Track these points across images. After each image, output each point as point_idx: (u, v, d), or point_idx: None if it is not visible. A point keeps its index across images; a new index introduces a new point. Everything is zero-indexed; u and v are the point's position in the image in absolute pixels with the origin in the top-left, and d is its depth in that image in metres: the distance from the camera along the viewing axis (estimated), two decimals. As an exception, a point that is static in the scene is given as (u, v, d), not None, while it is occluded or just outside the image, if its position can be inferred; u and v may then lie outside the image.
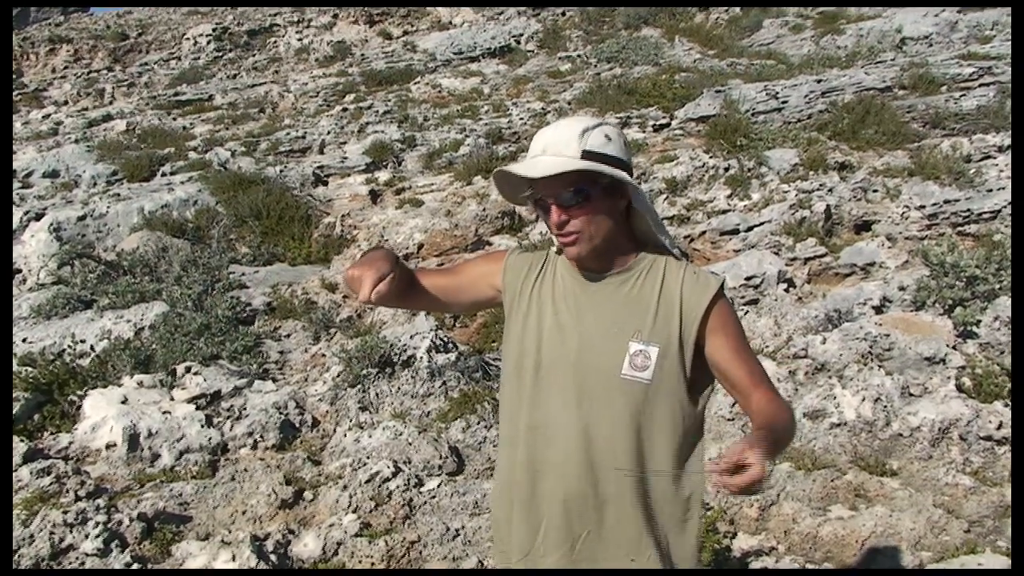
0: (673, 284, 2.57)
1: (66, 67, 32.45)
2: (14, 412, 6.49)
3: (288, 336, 8.78)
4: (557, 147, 2.49)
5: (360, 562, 5.00)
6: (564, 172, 2.44)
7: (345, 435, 6.63)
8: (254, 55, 30.45)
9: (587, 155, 2.46)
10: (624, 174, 2.51)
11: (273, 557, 4.87)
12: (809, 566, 4.96)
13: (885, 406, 6.14)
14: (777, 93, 13.99)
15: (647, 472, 2.58)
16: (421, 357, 7.44)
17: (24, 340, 8.30)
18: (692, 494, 2.66)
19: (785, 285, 8.55)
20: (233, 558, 4.72)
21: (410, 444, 6.30)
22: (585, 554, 2.63)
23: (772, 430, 2.37)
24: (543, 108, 16.46)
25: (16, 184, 14.79)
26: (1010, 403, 6.12)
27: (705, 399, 2.69)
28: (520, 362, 2.73)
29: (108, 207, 12.29)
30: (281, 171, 14.00)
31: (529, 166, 2.50)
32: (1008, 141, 11.02)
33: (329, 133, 16.63)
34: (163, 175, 14.67)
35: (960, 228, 9.79)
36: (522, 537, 2.71)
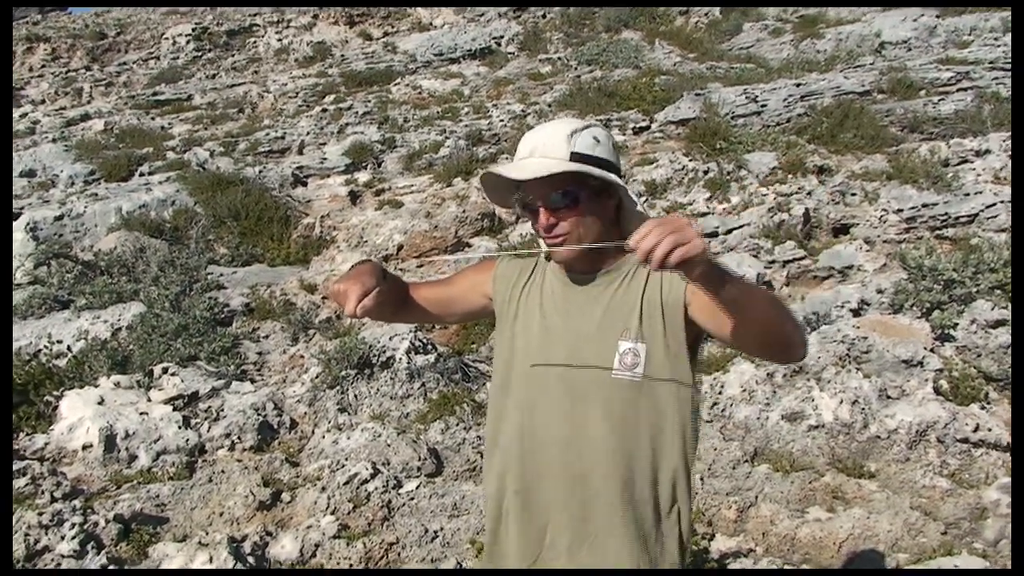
0: (655, 278, 2.54)
1: (44, 66, 32.20)
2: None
3: (266, 337, 8.75)
4: (545, 149, 2.48)
5: (338, 564, 4.99)
6: (552, 174, 2.43)
7: (323, 437, 6.61)
8: (233, 55, 30.30)
9: (575, 157, 2.46)
10: (613, 176, 2.50)
11: (250, 559, 4.85)
12: (787, 568, 4.97)
13: (863, 408, 6.17)
14: (756, 97, 14.03)
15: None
16: (400, 358, 7.42)
17: (0, 340, 8.25)
18: (678, 496, 2.61)
19: (764, 288, 8.57)
20: (210, 560, 4.69)
21: (389, 446, 6.29)
22: (587, 560, 2.59)
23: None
24: (523, 110, 16.45)
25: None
26: (988, 405, 6.16)
27: (700, 395, 2.64)
28: (510, 368, 2.71)
29: (85, 207, 12.22)
30: (260, 172, 13.93)
31: (517, 168, 2.49)
32: (986, 146, 11.08)
33: (308, 134, 16.56)
34: (141, 175, 14.57)
35: (938, 231, 9.84)
36: (524, 545, 2.67)
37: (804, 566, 5.04)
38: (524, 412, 2.65)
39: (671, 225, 1.98)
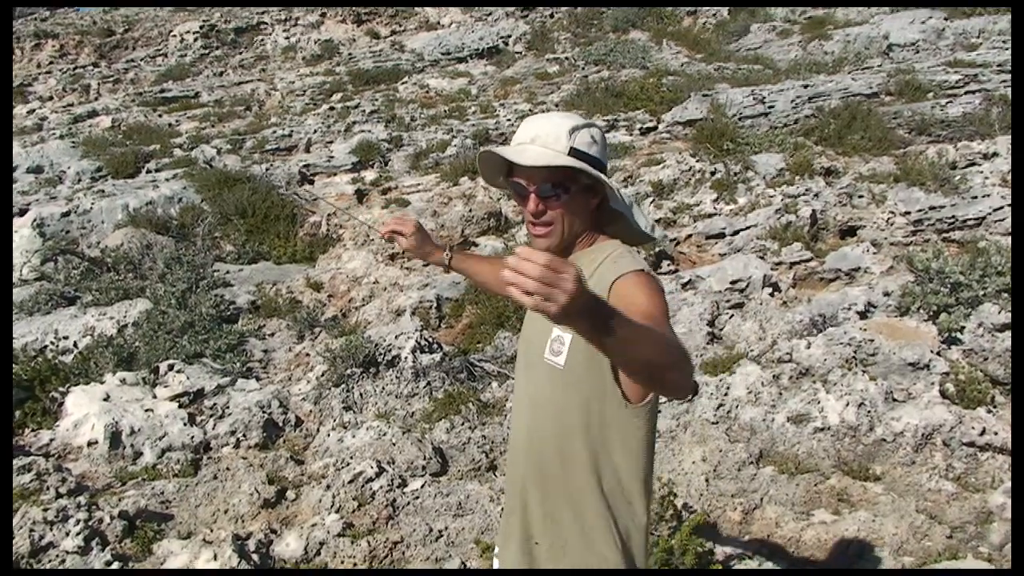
0: (602, 269, 2.54)
1: (51, 62, 32.22)
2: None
3: (272, 335, 8.75)
4: (546, 139, 2.53)
5: (342, 562, 4.99)
6: (549, 165, 2.49)
7: (328, 435, 6.61)
8: (241, 53, 30.30)
9: (574, 153, 2.51)
10: (604, 177, 2.57)
11: (255, 557, 4.85)
12: (792, 570, 4.96)
13: (869, 411, 6.15)
14: (764, 98, 14.02)
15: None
16: (406, 357, 7.42)
17: (6, 336, 8.26)
18: (611, 503, 2.59)
19: (770, 289, 8.56)
20: (215, 557, 4.69)
21: (394, 444, 6.28)
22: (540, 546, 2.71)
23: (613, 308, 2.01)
24: (530, 110, 16.46)
25: None
26: (995, 409, 6.14)
27: (645, 407, 2.53)
28: (517, 353, 2.91)
29: (92, 203, 12.23)
30: (267, 169, 13.95)
31: (518, 152, 2.54)
32: (994, 148, 11.06)
33: (315, 132, 16.58)
34: (148, 172, 14.61)
35: (945, 234, 9.82)
36: (505, 515, 2.91)
37: (809, 568, 5.03)
38: (515, 391, 2.89)
39: (555, 276, 1.75)
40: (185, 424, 6.49)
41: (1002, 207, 9.70)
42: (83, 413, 6.41)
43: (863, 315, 7.69)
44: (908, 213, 10.06)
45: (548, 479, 2.63)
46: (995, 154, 10.96)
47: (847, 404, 6.20)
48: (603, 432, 2.54)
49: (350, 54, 27.03)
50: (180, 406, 6.71)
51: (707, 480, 5.81)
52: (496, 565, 2.95)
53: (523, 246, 1.84)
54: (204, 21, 32.40)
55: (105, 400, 6.54)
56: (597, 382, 2.51)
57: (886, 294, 7.94)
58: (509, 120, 15.80)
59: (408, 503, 5.60)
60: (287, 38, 30.49)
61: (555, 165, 2.49)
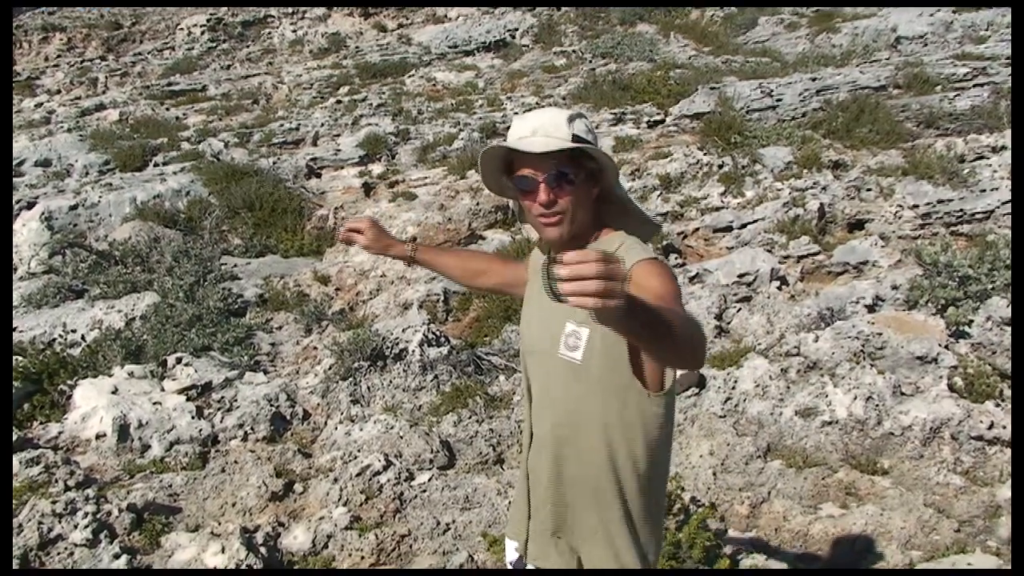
0: None
1: (59, 55, 32.26)
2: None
3: (280, 328, 8.76)
4: (547, 129, 2.55)
5: (350, 555, 5.00)
6: (554, 155, 2.49)
7: (336, 428, 6.62)
8: (248, 46, 30.29)
9: (576, 139, 2.53)
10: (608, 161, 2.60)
11: (263, 549, 4.85)
12: (799, 564, 4.96)
13: (877, 405, 6.14)
14: (772, 91, 13.97)
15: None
16: (413, 351, 7.42)
17: (15, 329, 8.26)
18: (627, 495, 2.61)
19: (778, 283, 8.55)
20: (223, 550, 4.70)
21: (401, 438, 6.29)
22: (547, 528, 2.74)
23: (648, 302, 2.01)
24: (538, 103, 16.43)
25: (8, 172, 14.69)
26: (1003, 402, 6.13)
27: (666, 395, 2.55)
28: (521, 349, 2.91)
29: (100, 197, 12.23)
30: (274, 163, 13.95)
31: (525, 144, 2.54)
32: (1003, 142, 11.03)
33: (323, 125, 16.58)
34: (156, 165, 14.59)
35: (953, 228, 9.80)
36: (521, 514, 2.87)
37: (816, 563, 5.03)
38: (526, 390, 2.86)
39: (611, 269, 1.72)
40: (193, 417, 6.51)
41: (1011, 200, 9.68)
42: (91, 406, 6.43)
43: (871, 309, 7.68)
44: (916, 206, 10.04)
45: (566, 474, 2.65)
46: (1003, 147, 10.93)
47: (855, 398, 6.20)
48: (623, 425, 2.55)
49: (357, 47, 27.00)
50: (188, 399, 6.72)
51: (715, 474, 5.81)
52: (511, 558, 2.95)
53: (570, 252, 1.76)
54: (211, 15, 32.39)
55: (113, 393, 6.56)
56: (615, 375, 2.51)
57: (894, 288, 7.93)
58: (516, 113, 15.76)
59: (415, 496, 5.61)
60: (294, 31, 30.49)
61: (560, 152, 2.49)
